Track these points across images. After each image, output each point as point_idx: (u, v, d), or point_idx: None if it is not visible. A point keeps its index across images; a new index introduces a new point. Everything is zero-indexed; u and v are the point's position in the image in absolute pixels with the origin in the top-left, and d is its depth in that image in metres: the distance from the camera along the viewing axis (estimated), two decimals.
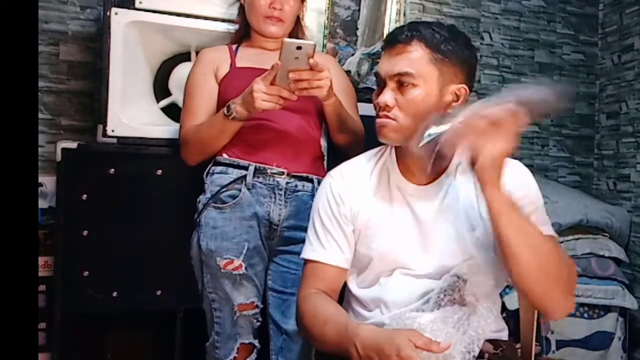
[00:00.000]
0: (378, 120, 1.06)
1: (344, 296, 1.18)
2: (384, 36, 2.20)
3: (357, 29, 2.20)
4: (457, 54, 1.04)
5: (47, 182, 1.82)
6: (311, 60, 1.20)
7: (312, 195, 1.38)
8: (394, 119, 1.03)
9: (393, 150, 1.12)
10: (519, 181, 1.04)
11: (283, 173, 1.40)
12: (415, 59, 1.02)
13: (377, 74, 1.08)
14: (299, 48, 1.17)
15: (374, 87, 2.12)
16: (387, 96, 1.03)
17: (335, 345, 0.97)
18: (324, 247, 1.10)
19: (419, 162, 1.04)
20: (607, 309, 2.19)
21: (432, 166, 0.99)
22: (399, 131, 1.03)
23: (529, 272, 0.92)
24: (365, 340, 0.90)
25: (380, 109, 1.04)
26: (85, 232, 1.53)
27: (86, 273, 1.53)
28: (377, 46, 2.20)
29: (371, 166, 1.14)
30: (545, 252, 0.92)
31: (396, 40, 1.04)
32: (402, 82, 1.02)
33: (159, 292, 1.59)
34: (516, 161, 1.09)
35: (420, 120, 1.00)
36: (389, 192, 1.10)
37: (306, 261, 1.13)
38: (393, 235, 1.07)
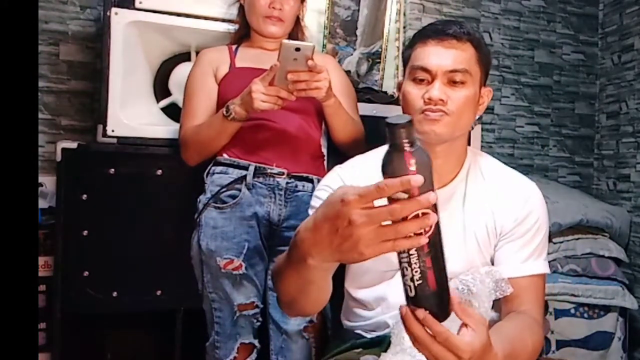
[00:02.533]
0: (431, 114, 0.98)
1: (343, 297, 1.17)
2: (384, 36, 2.22)
3: (357, 28, 2.20)
4: (489, 57, 1.06)
5: (47, 182, 1.82)
6: (310, 62, 1.20)
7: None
8: (448, 114, 0.98)
9: None
10: (519, 207, 1.04)
11: (283, 173, 1.40)
12: (468, 57, 1.00)
13: (420, 67, 1.00)
14: (297, 49, 1.17)
15: (374, 87, 2.14)
16: (441, 91, 0.98)
17: (297, 268, 0.77)
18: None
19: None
20: (607, 309, 2.19)
21: None
22: (450, 126, 0.99)
23: None
24: (308, 225, 0.71)
25: (433, 103, 0.98)
26: (85, 232, 1.53)
27: (86, 273, 1.53)
28: (377, 46, 2.20)
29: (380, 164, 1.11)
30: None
31: (446, 33, 0.99)
32: (453, 79, 0.99)
33: (159, 292, 1.59)
34: (531, 184, 1.09)
35: (463, 120, 1.00)
36: None
37: None
38: None
